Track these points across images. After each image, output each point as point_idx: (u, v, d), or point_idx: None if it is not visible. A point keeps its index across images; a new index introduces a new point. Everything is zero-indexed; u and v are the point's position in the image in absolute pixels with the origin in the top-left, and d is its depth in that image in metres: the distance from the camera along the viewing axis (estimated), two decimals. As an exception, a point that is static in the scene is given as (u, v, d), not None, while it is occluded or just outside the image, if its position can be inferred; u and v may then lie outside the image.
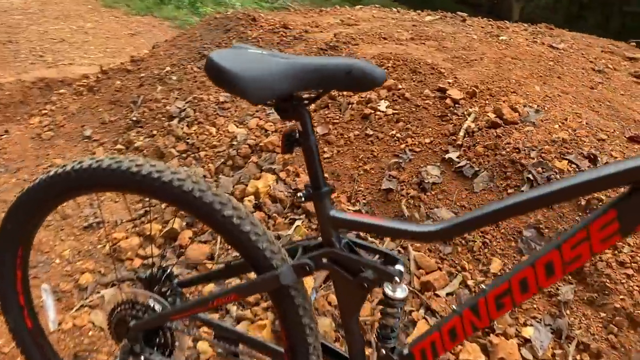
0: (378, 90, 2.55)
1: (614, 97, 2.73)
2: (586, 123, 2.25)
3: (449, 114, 2.33)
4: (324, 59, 0.98)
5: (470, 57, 2.87)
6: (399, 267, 1.07)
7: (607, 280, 1.75)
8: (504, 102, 2.33)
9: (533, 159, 2.03)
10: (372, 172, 2.25)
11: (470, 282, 1.86)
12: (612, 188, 0.83)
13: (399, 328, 1.15)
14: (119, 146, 2.97)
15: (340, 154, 2.36)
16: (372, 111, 2.44)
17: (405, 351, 1.12)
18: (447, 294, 1.85)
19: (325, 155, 2.37)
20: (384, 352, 1.13)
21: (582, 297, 1.78)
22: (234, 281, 1.86)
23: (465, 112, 2.32)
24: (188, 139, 2.78)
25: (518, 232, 1.94)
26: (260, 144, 2.56)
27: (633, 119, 2.49)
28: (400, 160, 2.21)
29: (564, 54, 3.36)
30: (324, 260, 1.11)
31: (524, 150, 2.06)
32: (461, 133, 2.21)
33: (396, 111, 2.42)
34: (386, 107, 2.44)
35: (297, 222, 2.21)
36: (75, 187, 1.17)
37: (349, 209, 2.17)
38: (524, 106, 2.31)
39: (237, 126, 2.77)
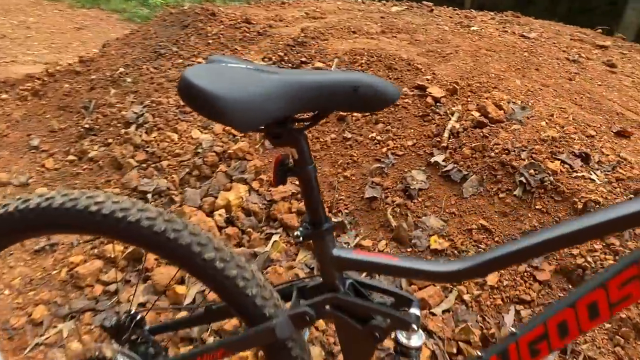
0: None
1: (592, 88, 2.66)
2: (573, 119, 2.15)
3: (430, 114, 2.19)
4: (324, 75, 0.81)
5: (445, 51, 2.74)
6: (414, 310, 0.92)
7: (611, 289, 1.64)
8: (487, 98, 2.21)
9: (524, 160, 1.91)
10: (353, 178, 2.09)
11: (466, 297, 1.73)
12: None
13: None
14: (70, 157, 2.70)
15: (316, 160, 2.19)
16: (348, 113, 2.28)
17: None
18: (444, 311, 1.72)
19: (301, 162, 2.19)
20: (398, 406, 0.98)
21: (585, 308, 1.67)
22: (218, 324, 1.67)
23: (448, 111, 2.18)
24: (148, 147, 2.55)
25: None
26: (229, 151, 2.36)
27: (615, 111, 2.41)
28: (383, 165, 2.06)
29: (536, 43, 3.28)
30: (327, 307, 0.95)
31: (514, 151, 1.94)
32: (446, 134, 2.07)
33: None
34: (363, 107, 2.28)
35: (275, 237, 2.03)
36: (21, 229, 0.97)
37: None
38: (508, 102, 2.19)
39: (201, 132, 2.56)
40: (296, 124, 0.83)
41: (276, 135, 0.83)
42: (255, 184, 2.19)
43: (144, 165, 2.48)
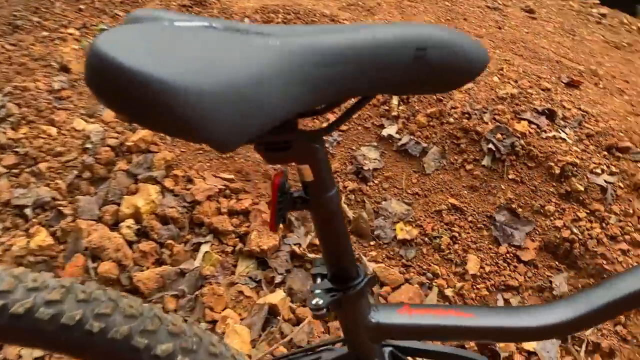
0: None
1: (522, 36, 2.49)
2: (522, 71, 1.95)
3: (371, 77, 1.87)
4: (357, 32, 0.44)
5: (368, 3, 2.41)
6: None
7: (603, 261, 1.47)
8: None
9: (487, 124, 1.66)
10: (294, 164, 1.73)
11: (448, 292, 1.47)
12: None
13: None
14: None
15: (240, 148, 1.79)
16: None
17: None
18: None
19: (223, 149, 1.78)
20: None
21: (577, 286, 1.48)
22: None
23: (391, 73, 1.88)
24: (17, 147, 1.98)
25: (489, 217, 1.59)
26: (127, 143, 1.88)
27: (552, 59, 2.25)
28: (326, 144, 1.72)
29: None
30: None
31: (475, 114, 1.69)
32: (394, 101, 1.76)
33: (303, 80, 1.90)
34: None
35: (204, 247, 1.63)
36: None
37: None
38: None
39: (86, 121, 2.03)
40: (306, 123, 0.46)
41: (280, 147, 0.45)
42: (168, 183, 1.75)
43: (16, 170, 1.92)
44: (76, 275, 1.57)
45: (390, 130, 1.71)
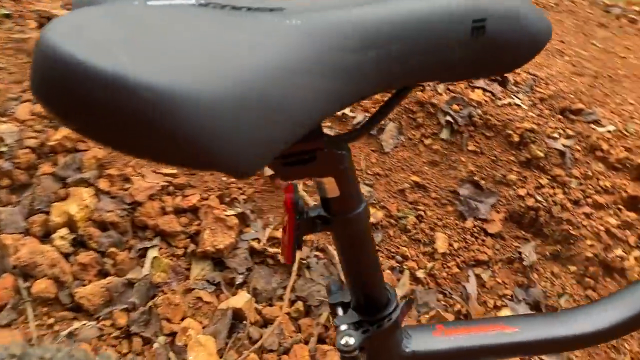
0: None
1: None
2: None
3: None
4: (394, 2, 0.33)
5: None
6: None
7: (569, 227, 1.46)
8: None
9: (442, 95, 1.60)
10: (240, 152, 1.59)
11: (419, 274, 1.42)
12: None
13: None
14: None
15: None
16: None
17: None
18: (401, 298, 1.38)
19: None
20: None
21: (545, 254, 1.47)
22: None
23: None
24: None
25: (452, 192, 1.53)
26: (50, 143, 1.67)
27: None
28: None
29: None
30: None
31: (428, 85, 1.62)
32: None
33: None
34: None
35: (152, 252, 1.48)
36: None
37: (221, 212, 1.50)
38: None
39: (-3, 121, 1.79)
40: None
41: (302, 160, 0.34)
42: (103, 184, 1.57)
43: None
44: (6, 299, 1.38)
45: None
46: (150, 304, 1.36)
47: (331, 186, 0.37)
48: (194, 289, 1.39)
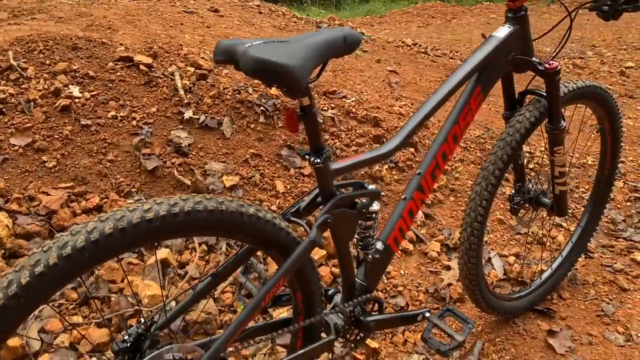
0: (53, 78, 2.23)
1: (223, 31, 3.24)
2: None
3: (153, 79, 2.33)
4: (323, 34, 1.08)
5: (101, 23, 2.77)
6: (372, 186, 1.34)
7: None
8: (186, 55, 2.50)
9: (252, 94, 2.37)
10: (120, 159, 2.09)
11: (273, 208, 2.15)
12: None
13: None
14: None
15: (68, 157, 2.05)
16: (69, 101, 2.16)
17: (380, 245, 1.43)
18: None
19: (50, 165, 2.02)
20: (370, 257, 1.40)
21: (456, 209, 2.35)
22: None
23: (167, 73, 2.38)
24: None
25: (277, 155, 2.31)
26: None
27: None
28: (143, 136, 2.15)
29: (151, 4, 3.58)
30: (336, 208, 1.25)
31: (243, 88, 2.36)
32: (181, 92, 2.29)
33: (94, 92, 2.23)
34: (80, 92, 2.21)
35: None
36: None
37: (125, 203, 2.00)
38: (201, 56, 2.55)
39: None
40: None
41: (300, 90, 1.05)
42: (14, 206, 1.90)
43: None
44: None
45: (189, 114, 2.24)
46: (96, 274, 1.80)
47: (305, 102, 1.10)
48: (123, 258, 1.88)
